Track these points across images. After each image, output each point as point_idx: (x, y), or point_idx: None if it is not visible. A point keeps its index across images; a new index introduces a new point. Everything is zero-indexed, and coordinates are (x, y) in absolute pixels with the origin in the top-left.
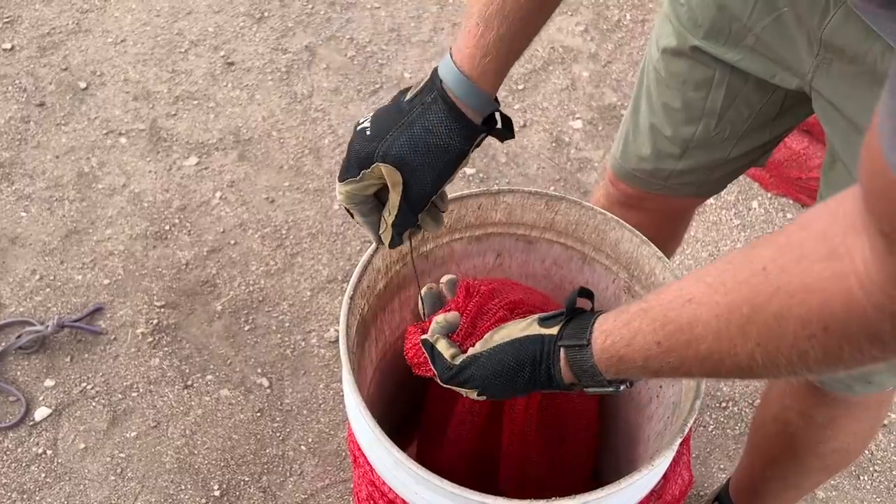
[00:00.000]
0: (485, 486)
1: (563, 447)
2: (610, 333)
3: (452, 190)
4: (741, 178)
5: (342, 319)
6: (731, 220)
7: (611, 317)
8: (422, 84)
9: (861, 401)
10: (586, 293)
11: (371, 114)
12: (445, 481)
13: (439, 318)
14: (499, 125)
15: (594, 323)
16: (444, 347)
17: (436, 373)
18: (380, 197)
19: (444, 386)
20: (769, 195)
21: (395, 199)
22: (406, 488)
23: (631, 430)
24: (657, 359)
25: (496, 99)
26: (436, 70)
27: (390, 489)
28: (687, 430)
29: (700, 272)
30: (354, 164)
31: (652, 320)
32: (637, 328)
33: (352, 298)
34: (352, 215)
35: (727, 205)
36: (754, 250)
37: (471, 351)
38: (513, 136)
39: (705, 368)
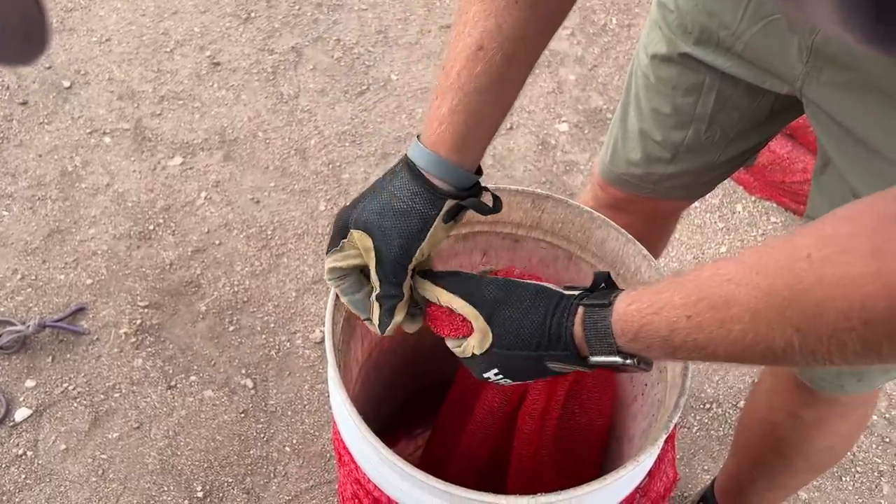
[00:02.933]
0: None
1: (571, 458)
2: (636, 299)
3: None
4: (726, 181)
5: (328, 316)
6: (715, 223)
7: (639, 287)
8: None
9: (849, 400)
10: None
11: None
12: (430, 476)
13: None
14: (482, 197)
15: (620, 292)
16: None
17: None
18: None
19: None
20: (753, 199)
21: (371, 266)
22: (391, 485)
23: (616, 429)
24: (683, 332)
25: (479, 170)
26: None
27: (375, 486)
28: (671, 427)
29: (737, 256)
30: (336, 235)
31: (686, 294)
32: (668, 299)
33: (337, 296)
34: (338, 297)
35: (712, 208)
36: (797, 238)
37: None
38: (495, 211)
39: (733, 350)
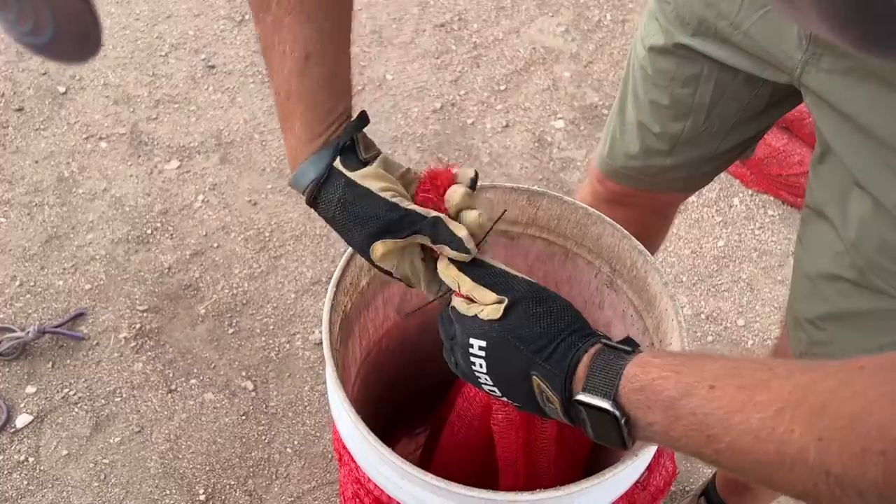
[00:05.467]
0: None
1: (570, 455)
2: (663, 355)
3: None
4: (722, 175)
5: (325, 316)
6: (712, 216)
7: (671, 352)
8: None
9: None
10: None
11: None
12: (429, 475)
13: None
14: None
15: (649, 350)
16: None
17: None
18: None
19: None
20: (750, 192)
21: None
22: (391, 483)
23: None
24: (696, 401)
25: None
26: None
27: (376, 486)
28: None
29: (791, 360)
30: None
31: (719, 365)
32: (697, 364)
33: (335, 295)
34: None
35: (709, 202)
36: (855, 357)
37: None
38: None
39: (740, 444)
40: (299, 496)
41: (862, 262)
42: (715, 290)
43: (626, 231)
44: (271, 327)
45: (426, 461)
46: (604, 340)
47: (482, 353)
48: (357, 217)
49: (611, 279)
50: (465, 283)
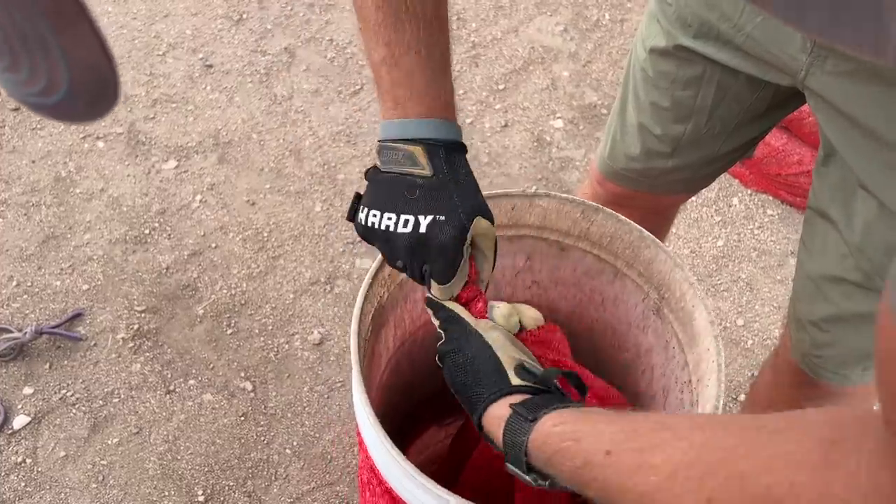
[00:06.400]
0: None
1: None
2: (564, 421)
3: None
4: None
5: (357, 304)
6: (711, 216)
7: (578, 409)
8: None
9: (854, 391)
10: (577, 384)
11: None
12: (423, 475)
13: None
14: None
15: (554, 409)
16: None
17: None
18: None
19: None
20: (749, 192)
21: (489, 244)
22: (393, 477)
23: None
24: (596, 469)
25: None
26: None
27: (384, 479)
28: None
29: (702, 415)
30: (453, 249)
31: (618, 429)
32: (596, 430)
33: (370, 286)
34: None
35: (708, 202)
36: (765, 415)
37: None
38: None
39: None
40: (298, 497)
41: (867, 265)
42: (714, 290)
43: (679, 259)
44: (270, 328)
45: (455, 457)
46: (511, 404)
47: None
48: (442, 202)
49: (658, 306)
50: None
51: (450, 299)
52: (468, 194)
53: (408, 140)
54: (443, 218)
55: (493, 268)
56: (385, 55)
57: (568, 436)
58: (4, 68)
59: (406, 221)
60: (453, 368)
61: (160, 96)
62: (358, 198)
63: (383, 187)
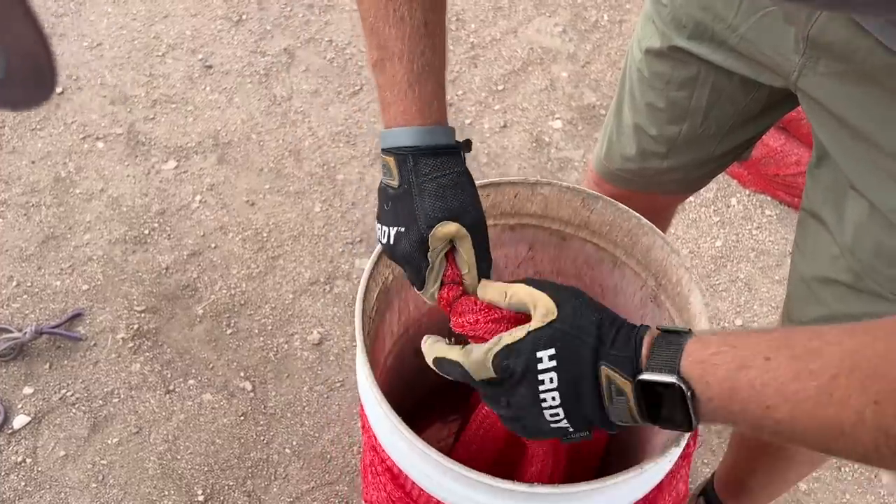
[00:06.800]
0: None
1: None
2: (720, 332)
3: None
4: (719, 175)
5: (363, 281)
6: (710, 217)
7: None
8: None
9: None
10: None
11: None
12: (432, 449)
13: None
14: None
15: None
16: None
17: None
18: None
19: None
20: (747, 192)
21: (465, 247)
22: (399, 453)
23: (637, 443)
24: (753, 373)
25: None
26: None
27: (388, 456)
28: (684, 443)
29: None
30: (417, 254)
31: (771, 338)
32: (751, 339)
33: (374, 265)
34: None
35: (706, 202)
36: None
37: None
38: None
39: (798, 412)
40: (298, 497)
41: (858, 266)
42: (713, 290)
43: (675, 246)
44: (269, 328)
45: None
46: (658, 326)
47: (553, 364)
48: (405, 212)
49: (655, 293)
50: (521, 289)
51: (437, 303)
52: (428, 202)
53: (385, 150)
54: (403, 229)
55: (488, 264)
56: (376, 59)
57: (725, 342)
58: None
59: (385, 233)
60: (579, 307)
61: (160, 97)
62: None
63: (378, 200)
